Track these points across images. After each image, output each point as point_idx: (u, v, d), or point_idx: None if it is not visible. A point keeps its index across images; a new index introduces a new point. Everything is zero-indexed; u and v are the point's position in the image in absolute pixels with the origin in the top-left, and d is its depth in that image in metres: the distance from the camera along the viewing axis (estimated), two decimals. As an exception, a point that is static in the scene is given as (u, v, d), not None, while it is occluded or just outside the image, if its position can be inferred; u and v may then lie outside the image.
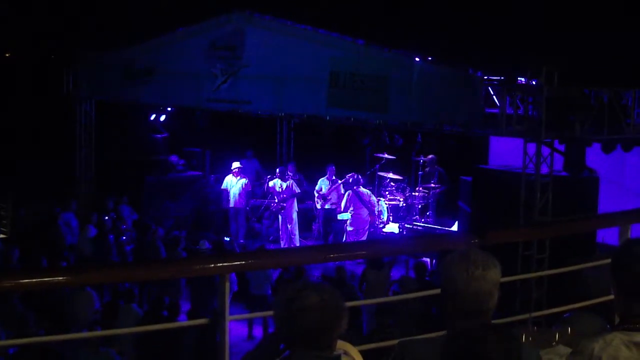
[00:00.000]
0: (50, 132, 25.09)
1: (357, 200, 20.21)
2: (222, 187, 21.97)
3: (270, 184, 21.01)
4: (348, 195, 20.32)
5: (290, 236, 20.80)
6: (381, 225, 21.05)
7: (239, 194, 21.60)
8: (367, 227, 20.34)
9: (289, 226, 20.83)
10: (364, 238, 20.05)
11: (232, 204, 21.63)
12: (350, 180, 20.55)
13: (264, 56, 18.63)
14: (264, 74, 18.57)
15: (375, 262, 15.39)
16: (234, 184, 21.64)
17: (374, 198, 20.46)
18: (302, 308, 3.45)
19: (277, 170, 21.45)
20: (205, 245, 17.26)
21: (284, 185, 20.81)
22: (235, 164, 21.85)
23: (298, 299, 3.48)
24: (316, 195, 21.34)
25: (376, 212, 20.49)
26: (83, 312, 13.95)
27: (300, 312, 3.45)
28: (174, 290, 15.65)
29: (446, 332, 3.61)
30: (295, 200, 21.04)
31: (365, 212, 20.23)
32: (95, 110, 23.19)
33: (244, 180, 21.65)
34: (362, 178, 20.70)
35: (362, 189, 20.36)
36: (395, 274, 16.98)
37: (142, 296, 16.75)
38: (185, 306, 14.55)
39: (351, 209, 20.17)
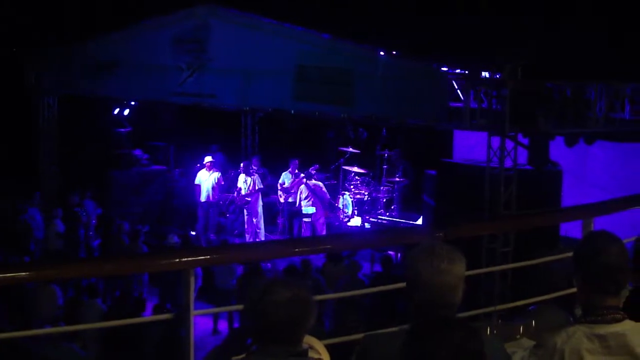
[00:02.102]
0: (13, 127, 24.85)
1: (311, 193, 20.29)
2: (195, 183, 21.78)
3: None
4: (302, 188, 20.41)
5: (255, 230, 20.77)
6: (346, 219, 21.11)
7: (212, 188, 21.50)
8: (323, 220, 20.39)
9: (254, 220, 20.80)
10: (323, 232, 20.13)
11: (204, 199, 21.53)
12: (308, 172, 20.61)
13: (229, 50, 18.56)
14: (230, 67, 18.51)
15: (333, 256, 15.41)
16: (206, 179, 21.54)
17: (324, 189, 20.58)
18: (273, 303, 3.45)
19: (242, 164, 21.40)
20: (174, 239, 17.17)
21: (249, 179, 20.77)
22: (208, 158, 21.72)
23: (269, 294, 3.48)
24: (279, 188, 21.34)
25: (327, 204, 20.56)
26: (46, 307, 13.82)
27: (271, 307, 3.45)
28: (137, 285, 15.59)
29: (408, 326, 3.63)
30: (260, 195, 21.01)
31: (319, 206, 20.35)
32: (58, 104, 23.01)
33: (217, 174, 21.53)
34: (314, 170, 20.71)
35: (313, 181, 20.43)
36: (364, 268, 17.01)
37: (107, 291, 16.67)
38: (152, 301, 14.50)
39: (307, 201, 20.29)
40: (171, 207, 23.42)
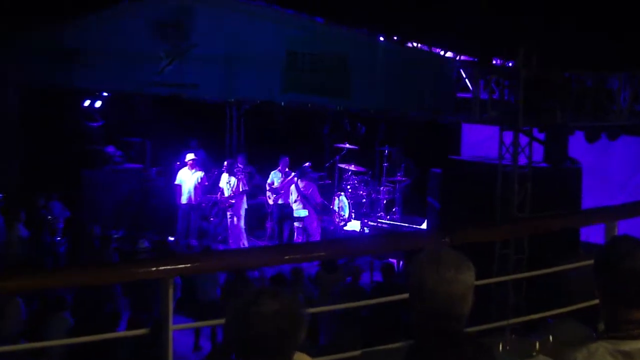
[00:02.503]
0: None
1: (300, 194, 20.27)
2: (175, 183, 21.76)
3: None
4: (292, 188, 20.41)
5: (239, 235, 20.74)
6: (342, 223, 21.11)
7: (194, 189, 21.45)
8: (317, 224, 20.38)
9: (239, 224, 20.76)
10: (316, 237, 20.13)
11: (185, 200, 21.49)
12: (302, 170, 20.60)
13: (213, 35, 18.54)
14: (213, 55, 18.48)
15: (328, 264, 15.41)
16: (188, 178, 21.50)
17: (317, 190, 20.58)
18: (259, 316, 3.43)
19: (226, 162, 21.37)
20: (144, 244, 17.16)
21: (233, 179, 20.73)
22: (190, 156, 21.69)
23: (254, 306, 3.45)
24: (267, 189, 21.32)
25: (320, 207, 20.54)
26: (9, 322, 13.81)
27: (256, 319, 3.42)
28: (110, 297, 15.55)
29: (413, 341, 3.62)
30: (245, 196, 20.99)
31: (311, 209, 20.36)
32: (21, 97, 22.92)
33: (199, 174, 21.49)
34: (308, 169, 20.70)
35: (306, 181, 20.42)
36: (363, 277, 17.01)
37: (76, 304, 16.62)
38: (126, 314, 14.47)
39: (298, 203, 20.28)
40: (148, 210, 23.36)
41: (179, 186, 21.59)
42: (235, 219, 20.78)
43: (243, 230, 20.90)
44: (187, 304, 15.71)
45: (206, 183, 21.71)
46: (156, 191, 23.44)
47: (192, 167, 21.48)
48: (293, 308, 3.50)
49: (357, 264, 16.93)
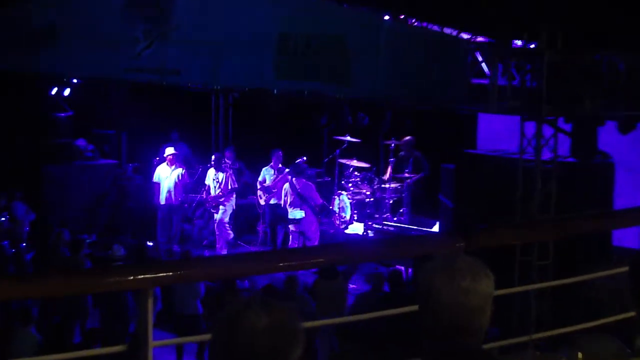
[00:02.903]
0: None
1: (295, 194, 20.20)
2: (153, 180, 21.69)
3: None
4: (286, 187, 20.33)
5: (227, 239, 20.71)
6: (343, 226, 21.11)
7: (175, 187, 21.37)
8: (315, 227, 20.32)
9: (227, 227, 20.75)
10: (315, 242, 20.10)
11: (164, 200, 21.44)
12: (296, 166, 20.53)
13: (197, 16, 18.51)
14: (198, 38, 18.41)
15: (326, 271, 15.39)
16: (167, 175, 21.41)
17: (316, 193, 20.46)
18: (249, 330, 3.41)
19: (213, 156, 21.37)
20: (120, 251, 17.14)
21: (220, 175, 20.72)
22: (169, 150, 21.60)
23: (242, 320, 3.43)
24: (259, 187, 21.30)
25: (318, 208, 20.48)
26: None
27: (245, 335, 3.40)
28: (81, 309, 15.56)
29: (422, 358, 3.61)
30: (235, 195, 20.97)
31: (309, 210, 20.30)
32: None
33: (180, 170, 21.40)
34: (305, 164, 20.65)
35: (302, 179, 20.34)
36: (366, 286, 17.02)
37: (43, 317, 16.63)
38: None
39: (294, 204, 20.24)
40: (123, 211, 23.37)
41: (158, 184, 21.51)
42: (222, 218, 20.79)
43: (230, 231, 20.86)
44: (169, 317, 15.74)
45: (188, 180, 21.66)
46: (132, 190, 23.44)
47: (171, 162, 21.38)
48: (287, 322, 3.47)
49: (380, 271, 16.94)
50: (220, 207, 20.79)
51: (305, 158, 20.82)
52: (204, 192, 21.13)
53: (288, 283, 14.98)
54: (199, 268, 5.54)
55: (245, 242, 21.38)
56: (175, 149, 21.85)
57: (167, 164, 21.44)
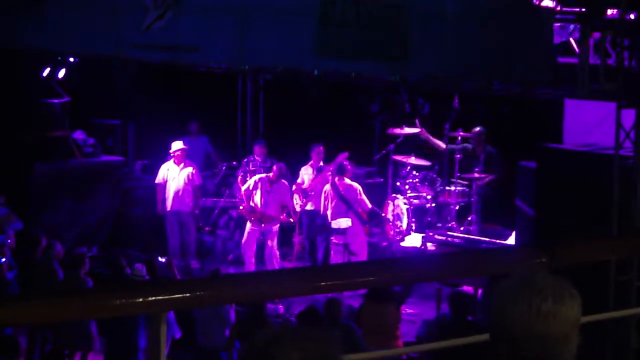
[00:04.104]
0: None
1: (338, 198, 20.09)
2: (155, 181, 21.83)
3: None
4: (326, 189, 20.21)
5: (267, 255, 20.51)
6: (398, 238, 21.09)
7: (184, 191, 21.39)
8: (362, 239, 20.27)
9: (268, 242, 20.59)
10: (362, 257, 20.06)
11: (169, 207, 21.50)
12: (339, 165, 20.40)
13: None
14: (219, 5, 18.50)
15: (376, 293, 15.35)
16: (175, 176, 21.47)
17: (364, 197, 20.33)
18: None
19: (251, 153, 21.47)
20: (142, 272, 16.82)
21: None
22: (177, 144, 21.63)
23: (273, 353, 3.44)
24: (294, 189, 21.26)
25: (367, 215, 20.42)
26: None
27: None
28: (81, 338, 15.67)
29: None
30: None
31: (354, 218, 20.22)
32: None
33: (189, 170, 21.49)
34: (349, 162, 20.53)
35: (346, 180, 20.25)
36: (427, 311, 17.02)
37: (32, 347, 16.75)
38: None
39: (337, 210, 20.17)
40: (129, 219, 23.43)
41: (162, 186, 21.61)
42: (265, 236, 20.51)
43: (277, 251, 20.68)
44: (188, 347, 15.82)
45: (199, 182, 21.70)
46: (141, 194, 23.48)
47: (179, 160, 21.45)
48: (323, 355, 3.47)
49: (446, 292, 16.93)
50: (265, 229, 20.54)
51: (347, 154, 20.56)
52: (238, 197, 21.05)
53: (329, 307, 14.97)
54: (222, 288, 5.44)
55: (280, 257, 21.30)
56: (190, 143, 21.82)
57: (174, 161, 21.48)
